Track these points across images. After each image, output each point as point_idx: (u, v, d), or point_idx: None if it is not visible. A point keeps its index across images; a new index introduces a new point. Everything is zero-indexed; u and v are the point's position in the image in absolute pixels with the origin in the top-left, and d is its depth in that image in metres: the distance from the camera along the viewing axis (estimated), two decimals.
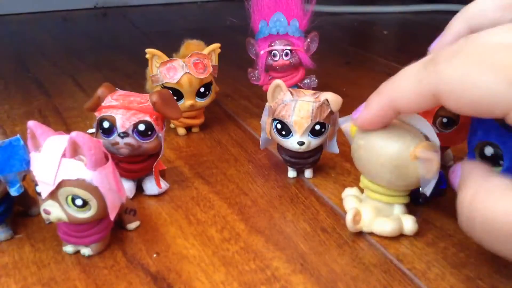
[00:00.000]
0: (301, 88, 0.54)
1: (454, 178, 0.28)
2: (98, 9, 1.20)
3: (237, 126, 0.53)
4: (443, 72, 0.24)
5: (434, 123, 0.38)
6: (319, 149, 0.41)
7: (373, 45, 0.93)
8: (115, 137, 0.37)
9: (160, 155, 0.39)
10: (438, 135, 0.38)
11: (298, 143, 0.39)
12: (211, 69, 0.48)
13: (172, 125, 0.52)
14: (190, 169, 0.44)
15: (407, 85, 0.26)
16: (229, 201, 0.39)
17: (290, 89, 0.39)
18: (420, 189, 0.33)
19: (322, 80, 0.68)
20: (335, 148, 0.42)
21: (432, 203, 0.38)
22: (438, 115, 0.38)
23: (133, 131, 0.37)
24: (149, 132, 0.37)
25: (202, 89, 0.48)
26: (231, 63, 0.72)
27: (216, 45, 0.49)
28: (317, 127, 0.39)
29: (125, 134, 0.37)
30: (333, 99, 0.38)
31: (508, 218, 0.22)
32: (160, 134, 0.38)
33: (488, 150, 0.31)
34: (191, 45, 0.52)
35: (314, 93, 0.39)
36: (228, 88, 0.65)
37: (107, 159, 0.31)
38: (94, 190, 0.30)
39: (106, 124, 0.37)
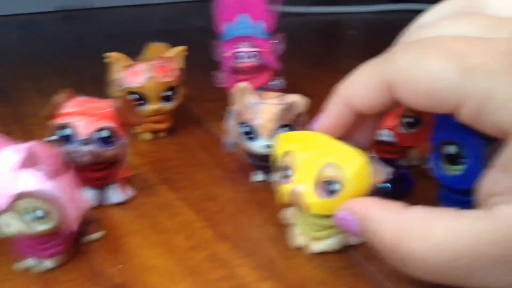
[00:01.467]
0: (269, 90, 0.54)
1: (348, 224, 0.25)
2: (62, 11, 1.18)
3: (204, 130, 0.52)
4: (397, 61, 0.23)
5: (399, 123, 0.39)
6: None
7: (340, 46, 0.94)
8: (76, 145, 0.36)
9: (124, 162, 0.38)
10: (403, 135, 0.39)
11: (264, 146, 0.38)
12: (176, 72, 0.47)
13: (138, 130, 0.51)
14: (155, 175, 0.43)
15: (361, 79, 0.25)
16: (196, 207, 0.38)
17: (255, 91, 0.39)
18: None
19: (290, 81, 0.68)
20: None
21: None
22: (402, 115, 0.38)
23: (94, 138, 0.36)
24: (112, 139, 0.36)
25: (167, 93, 0.47)
26: (199, 65, 0.71)
27: (181, 48, 0.48)
28: (284, 129, 0.38)
29: (86, 141, 0.36)
30: (299, 101, 0.38)
31: (450, 243, 0.21)
32: (123, 141, 0.37)
33: (451, 149, 0.32)
34: (155, 48, 0.52)
35: (280, 95, 0.39)
36: (195, 91, 0.64)
37: (67, 168, 0.30)
38: (53, 200, 0.29)
39: (66, 132, 0.36)
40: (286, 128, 0.38)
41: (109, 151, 0.36)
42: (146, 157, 0.46)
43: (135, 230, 0.35)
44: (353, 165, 0.29)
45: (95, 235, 0.34)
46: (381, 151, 0.41)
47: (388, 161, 0.40)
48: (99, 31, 1.00)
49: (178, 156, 0.47)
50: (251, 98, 0.38)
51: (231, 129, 0.40)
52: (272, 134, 0.38)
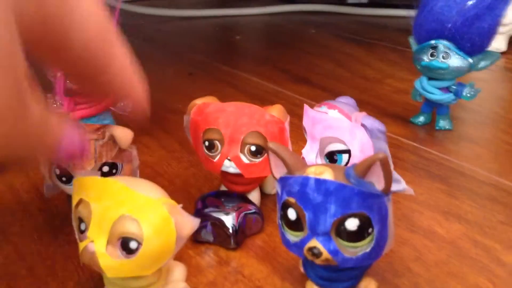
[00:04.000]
0: (117, 112, 0.47)
1: None
2: None
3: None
4: None
5: (242, 152, 0.33)
6: None
7: (224, 53, 0.88)
8: None
9: None
10: (247, 165, 0.34)
11: None
12: None
13: None
14: None
15: None
16: None
17: None
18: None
19: (156, 95, 0.61)
20: None
21: (246, 246, 0.33)
22: (244, 143, 0.33)
23: None
24: None
25: None
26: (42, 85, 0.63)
27: None
28: (105, 168, 0.32)
29: None
30: (121, 134, 0.32)
31: None
32: None
33: (291, 214, 0.26)
34: None
35: (98, 128, 0.32)
36: None
37: None
38: None
39: None
40: (106, 167, 0.32)
41: None
42: None
43: None
44: (153, 218, 0.24)
45: None
46: (229, 183, 0.36)
47: (235, 195, 0.35)
48: None
49: None
50: None
51: (45, 173, 0.33)
52: (90, 175, 0.32)
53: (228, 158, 0.33)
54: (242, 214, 0.33)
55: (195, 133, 0.35)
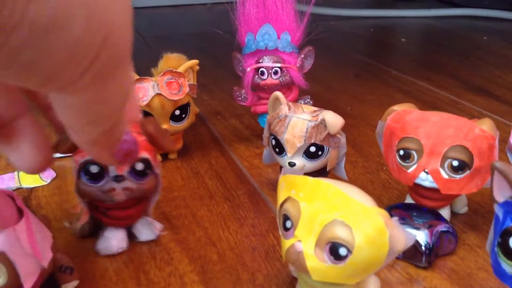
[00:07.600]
0: None
1: None
2: None
3: (221, 153, 0.47)
4: None
5: (442, 166, 0.31)
6: (322, 173, 0.35)
7: (389, 55, 0.85)
8: (108, 183, 0.30)
9: (156, 196, 0.33)
10: (446, 181, 0.32)
11: (289, 163, 0.34)
12: (187, 89, 0.42)
13: None
14: (155, 207, 0.37)
15: None
16: (192, 254, 0.32)
17: (289, 102, 0.35)
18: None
19: (325, 96, 0.61)
20: (342, 173, 0.37)
21: (437, 266, 0.31)
22: (446, 156, 0.31)
23: (129, 172, 0.30)
24: (147, 171, 0.31)
25: (177, 112, 0.42)
26: (230, 73, 0.66)
27: (193, 62, 0.43)
28: (312, 149, 0.34)
29: (121, 177, 0.30)
30: (331, 119, 0.33)
31: None
32: (157, 171, 0.32)
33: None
34: (171, 60, 0.46)
35: (315, 110, 0.34)
36: (220, 104, 0.59)
37: (20, 216, 0.25)
38: (1, 255, 0.24)
39: (94, 169, 0.30)
40: (314, 148, 0.34)
41: (145, 185, 0.31)
42: None
43: (116, 281, 0.30)
44: (367, 227, 0.23)
45: (69, 286, 0.29)
46: (419, 197, 0.34)
47: (427, 210, 0.33)
48: (133, 34, 0.96)
49: (185, 184, 0.41)
50: (283, 109, 0.34)
51: (266, 140, 0.37)
52: (298, 151, 0.34)
53: (426, 170, 0.32)
54: (436, 232, 0.31)
55: (389, 140, 0.34)
